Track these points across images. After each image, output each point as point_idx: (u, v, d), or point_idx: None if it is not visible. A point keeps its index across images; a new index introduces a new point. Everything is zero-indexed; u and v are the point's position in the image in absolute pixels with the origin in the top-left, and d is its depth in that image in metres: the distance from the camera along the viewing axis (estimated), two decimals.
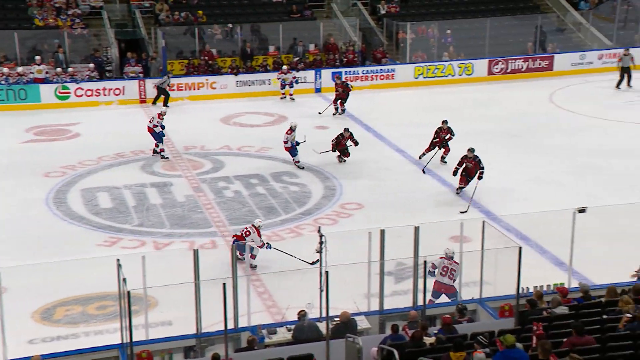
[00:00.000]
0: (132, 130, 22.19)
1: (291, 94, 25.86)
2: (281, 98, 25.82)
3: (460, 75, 28.19)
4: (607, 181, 17.81)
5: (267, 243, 13.86)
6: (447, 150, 19.09)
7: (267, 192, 17.63)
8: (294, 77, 25.93)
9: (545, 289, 11.54)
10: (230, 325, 10.03)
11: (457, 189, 17.24)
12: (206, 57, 26.94)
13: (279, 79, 25.85)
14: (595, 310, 10.15)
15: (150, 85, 25.62)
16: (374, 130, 22.49)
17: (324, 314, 9.78)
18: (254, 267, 13.35)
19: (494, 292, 11.55)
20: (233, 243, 13.35)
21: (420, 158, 19.31)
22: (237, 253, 12.34)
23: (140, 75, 26.19)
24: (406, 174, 18.55)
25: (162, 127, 19.74)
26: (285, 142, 18.95)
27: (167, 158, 19.80)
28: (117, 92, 25.62)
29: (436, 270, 12.10)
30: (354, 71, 27.32)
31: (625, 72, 26.42)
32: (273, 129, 22.64)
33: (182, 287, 10.19)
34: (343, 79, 24.69)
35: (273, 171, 18.93)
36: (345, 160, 19.42)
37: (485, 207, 16.56)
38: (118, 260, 9.65)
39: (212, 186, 18.08)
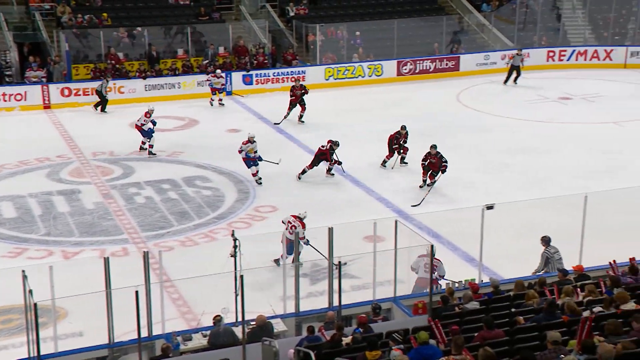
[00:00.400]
0: (37, 137, 21.45)
1: (221, 99, 25.36)
2: (211, 103, 25.22)
3: (370, 76, 28.60)
4: (513, 178, 18.43)
5: (307, 238, 13.31)
6: (405, 150, 19.17)
7: (180, 197, 17.40)
8: (223, 85, 25.45)
9: (457, 285, 11.83)
10: (144, 334, 9.84)
11: (420, 184, 17.61)
12: (112, 61, 26.33)
13: (208, 82, 25.33)
14: (504, 304, 10.47)
15: (55, 90, 24.88)
16: (286, 132, 22.54)
17: (239, 319, 9.73)
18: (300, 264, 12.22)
19: (407, 290, 11.76)
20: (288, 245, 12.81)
21: (383, 165, 19.13)
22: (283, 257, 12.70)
23: (43, 79, 25.35)
24: (319, 175, 18.66)
25: (153, 123, 20.03)
26: (240, 152, 17.83)
27: (155, 155, 19.87)
28: (18, 97, 24.73)
29: (419, 269, 12.15)
30: (264, 73, 27.30)
31: (515, 70, 27.70)
32: (184, 133, 22.35)
33: (93, 296, 9.93)
34: (301, 82, 24.04)
35: (185, 176, 18.69)
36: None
37: (397, 206, 16.85)
38: (23, 271, 9.32)
39: (123, 192, 17.69)
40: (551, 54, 30.44)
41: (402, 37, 29.66)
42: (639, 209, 15.50)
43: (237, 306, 10.22)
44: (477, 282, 11.98)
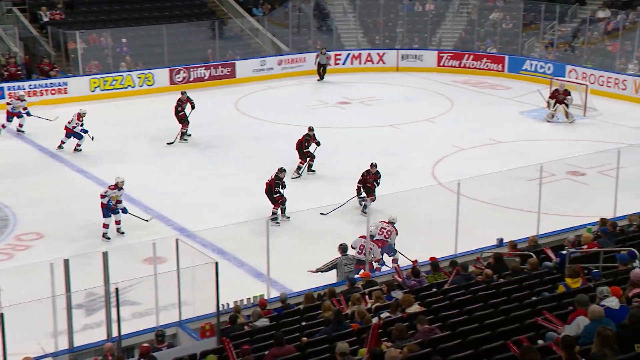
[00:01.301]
0: None
1: (21, 125, 22.85)
2: (18, 131, 22.98)
3: (141, 86, 27.97)
4: (298, 186, 18.82)
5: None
6: (313, 157, 19.40)
7: None
8: (25, 108, 22.82)
9: (245, 302, 11.83)
10: None
11: (362, 209, 16.54)
12: None
13: (9, 104, 22.92)
14: (295, 319, 10.62)
15: None
16: (49, 150, 21.38)
17: None
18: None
19: (193, 312, 11.56)
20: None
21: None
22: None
23: None
24: (91, 196, 17.84)
25: (82, 126, 20.79)
26: (102, 197, 15.84)
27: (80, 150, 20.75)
28: None
29: (373, 229, 13.66)
30: (19, 86, 25.67)
31: (322, 67, 29.45)
32: None
33: None
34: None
35: None
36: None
37: (178, 223, 16.56)
38: None
39: None
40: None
41: (173, 43, 29.37)
42: (424, 208, 16.58)
43: None
44: (266, 297, 12.07)
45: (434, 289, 11.15)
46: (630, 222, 13.64)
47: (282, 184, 16.64)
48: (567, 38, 30.30)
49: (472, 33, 32.30)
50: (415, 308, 9.75)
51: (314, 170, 19.65)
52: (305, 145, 19.38)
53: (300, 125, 23.53)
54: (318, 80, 30.05)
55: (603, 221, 13.37)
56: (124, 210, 15.97)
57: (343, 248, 13.29)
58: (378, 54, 31.99)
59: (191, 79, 28.93)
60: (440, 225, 15.80)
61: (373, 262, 13.43)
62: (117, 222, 15.95)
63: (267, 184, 16.74)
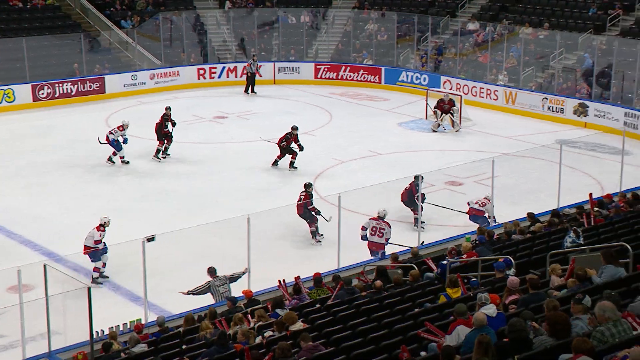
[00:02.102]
0: None
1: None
2: None
3: (0, 102, 26.85)
4: (175, 205, 18.56)
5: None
6: (295, 154, 20.62)
7: None
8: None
9: (121, 328, 11.52)
10: None
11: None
12: None
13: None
14: (174, 342, 10.43)
15: None
16: None
17: None
18: None
19: (64, 342, 11.15)
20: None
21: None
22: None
23: None
24: None
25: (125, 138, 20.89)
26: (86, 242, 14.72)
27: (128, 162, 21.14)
28: None
29: (367, 232, 14.83)
30: None
31: (252, 77, 29.74)
32: None
33: None
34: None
35: None
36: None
37: (46, 248, 15.95)
38: None
39: None
40: (201, 71, 31.51)
41: (35, 57, 28.36)
42: (306, 223, 16.67)
43: None
44: (143, 321, 11.80)
45: (318, 305, 11.23)
46: (506, 230, 14.23)
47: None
48: (440, 49, 31.41)
49: (348, 45, 32.94)
50: (298, 325, 9.77)
51: (295, 167, 20.77)
52: (284, 141, 20.65)
53: (177, 142, 23.28)
54: (246, 92, 29.96)
55: (480, 230, 13.90)
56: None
57: (212, 271, 13.17)
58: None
59: (57, 95, 28.02)
60: (323, 240, 15.97)
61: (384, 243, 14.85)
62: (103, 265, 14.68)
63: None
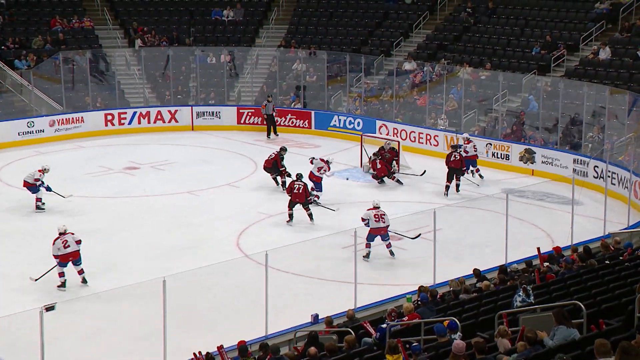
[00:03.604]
0: None
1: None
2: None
3: None
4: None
5: None
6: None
7: None
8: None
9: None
10: None
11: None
12: None
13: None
14: None
15: None
16: None
17: None
18: None
19: None
20: None
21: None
22: None
23: None
24: None
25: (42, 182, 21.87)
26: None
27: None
28: None
29: (369, 220, 18.14)
30: None
31: (271, 119, 30.29)
32: None
33: None
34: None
35: None
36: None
37: None
38: None
39: None
40: (109, 117, 31.32)
41: None
42: (230, 285, 16.59)
43: None
44: None
45: None
46: (451, 288, 14.43)
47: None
48: (374, 91, 32.00)
49: (274, 87, 33.26)
50: None
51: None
52: (278, 164, 23.77)
53: (84, 197, 22.98)
54: (268, 137, 30.51)
55: (422, 289, 14.04)
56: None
57: None
58: (169, 111, 32.05)
59: None
60: (249, 303, 15.90)
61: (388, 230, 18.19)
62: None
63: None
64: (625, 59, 28.13)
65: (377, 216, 18.31)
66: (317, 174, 23.04)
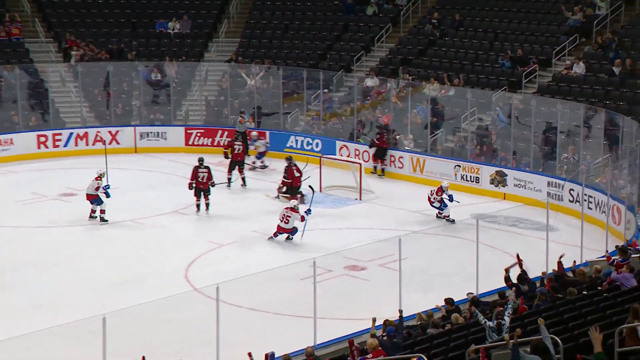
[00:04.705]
0: None
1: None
2: None
3: None
4: (12, 302, 18.00)
5: None
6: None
7: None
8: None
9: None
10: None
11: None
12: None
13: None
14: None
15: None
16: None
17: None
18: None
19: None
20: None
21: None
22: None
23: None
24: None
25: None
26: None
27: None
28: None
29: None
30: None
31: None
32: None
33: None
34: None
35: None
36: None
37: None
38: None
39: None
40: (42, 138, 31.06)
41: None
42: (178, 322, 16.49)
43: None
44: None
45: None
46: (418, 322, 14.49)
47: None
48: (332, 109, 32.12)
49: (225, 105, 33.22)
50: None
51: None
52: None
53: (15, 227, 22.71)
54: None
55: (388, 323, 14.09)
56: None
57: None
58: (110, 132, 31.82)
59: None
60: (199, 342, 15.83)
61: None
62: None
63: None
64: (601, 75, 28.64)
65: (282, 216, 21.41)
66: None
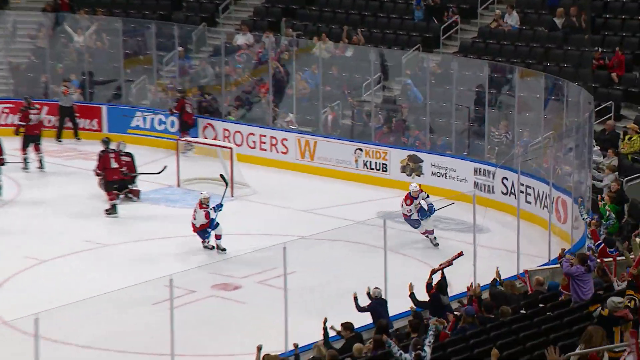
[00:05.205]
0: None
1: None
2: None
3: None
4: None
5: None
6: None
7: None
8: None
9: None
10: None
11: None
12: None
13: None
14: None
15: None
16: None
17: None
18: None
19: None
20: None
21: None
22: None
23: None
24: None
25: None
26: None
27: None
28: None
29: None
30: None
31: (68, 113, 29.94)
32: None
33: None
34: None
35: None
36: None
37: None
38: None
39: None
40: None
41: None
42: None
43: None
44: None
45: None
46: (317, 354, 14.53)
47: None
48: (194, 77, 31.68)
49: (43, 70, 32.49)
50: None
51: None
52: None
53: None
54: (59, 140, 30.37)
55: (268, 359, 14.10)
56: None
57: None
58: None
59: None
60: None
61: None
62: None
63: None
64: (539, 28, 29.10)
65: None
66: None
